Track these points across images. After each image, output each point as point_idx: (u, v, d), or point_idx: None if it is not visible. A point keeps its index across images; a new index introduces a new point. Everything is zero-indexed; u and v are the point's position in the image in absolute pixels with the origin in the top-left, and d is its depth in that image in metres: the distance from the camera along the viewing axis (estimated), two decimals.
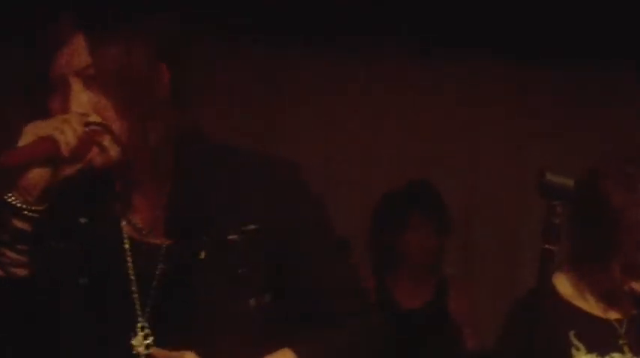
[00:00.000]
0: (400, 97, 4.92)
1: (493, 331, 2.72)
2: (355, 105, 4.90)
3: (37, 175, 1.77)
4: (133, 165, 1.84)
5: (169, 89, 1.86)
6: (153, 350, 1.87)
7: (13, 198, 1.79)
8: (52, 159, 1.77)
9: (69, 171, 1.80)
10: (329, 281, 1.94)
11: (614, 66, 4.73)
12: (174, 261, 1.89)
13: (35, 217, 1.80)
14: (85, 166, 1.81)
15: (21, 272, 1.82)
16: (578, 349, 2.49)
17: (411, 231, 4.07)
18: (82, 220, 1.92)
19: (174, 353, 1.84)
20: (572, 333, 2.50)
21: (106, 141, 1.81)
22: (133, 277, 1.91)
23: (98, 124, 1.81)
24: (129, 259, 1.91)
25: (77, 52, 1.82)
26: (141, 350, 1.89)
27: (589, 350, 2.50)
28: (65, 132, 1.76)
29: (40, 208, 1.80)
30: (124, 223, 1.92)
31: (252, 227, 1.87)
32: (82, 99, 1.81)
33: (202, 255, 1.87)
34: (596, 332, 2.52)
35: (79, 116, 1.80)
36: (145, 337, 1.90)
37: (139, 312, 1.90)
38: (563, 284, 2.58)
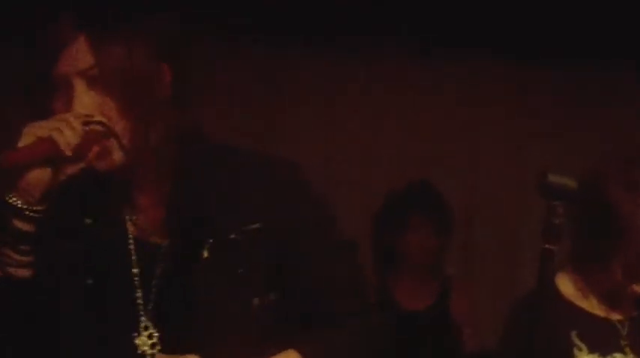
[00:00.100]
0: (400, 97, 4.92)
1: (493, 331, 2.72)
2: (355, 105, 4.90)
3: (38, 176, 1.77)
4: (135, 165, 1.84)
5: (171, 89, 1.87)
6: (157, 356, 1.88)
7: (14, 198, 1.78)
8: (51, 159, 1.77)
9: (70, 171, 1.80)
10: (329, 280, 1.94)
11: (614, 66, 4.72)
12: (177, 260, 1.90)
13: (37, 218, 1.79)
14: (88, 167, 1.81)
15: (23, 272, 1.82)
16: (580, 349, 2.49)
17: (411, 231, 4.07)
18: (87, 220, 1.92)
19: None
20: (574, 333, 2.50)
21: (109, 141, 1.81)
22: (136, 277, 1.91)
23: (98, 123, 1.81)
24: (133, 259, 1.92)
25: (80, 53, 1.82)
26: (146, 349, 1.90)
27: (591, 351, 2.50)
28: (64, 131, 1.76)
29: (41, 209, 1.79)
30: (128, 223, 1.93)
31: (253, 226, 1.88)
32: (86, 99, 1.82)
33: (204, 254, 1.87)
34: (598, 333, 2.52)
35: (79, 115, 1.80)
36: (149, 336, 1.90)
37: (142, 312, 1.90)
38: (566, 285, 2.58)
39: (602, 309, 2.56)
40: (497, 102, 4.98)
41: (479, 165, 4.97)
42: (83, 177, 1.83)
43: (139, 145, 1.82)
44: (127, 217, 1.93)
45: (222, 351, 1.84)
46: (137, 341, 1.89)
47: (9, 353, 1.87)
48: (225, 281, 1.87)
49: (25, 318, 1.86)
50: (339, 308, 1.93)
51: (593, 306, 2.56)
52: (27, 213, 1.78)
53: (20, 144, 1.77)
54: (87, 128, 1.79)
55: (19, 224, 1.79)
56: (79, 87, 1.82)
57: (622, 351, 2.52)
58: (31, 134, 1.77)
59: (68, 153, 1.76)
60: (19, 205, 1.78)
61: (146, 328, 1.90)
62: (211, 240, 1.87)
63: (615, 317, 2.56)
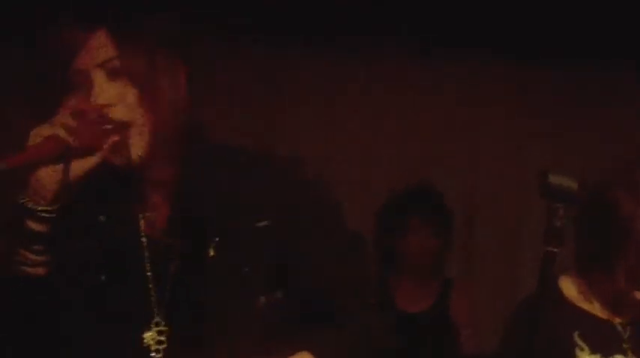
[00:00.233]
0: (400, 97, 4.91)
1: (493, 332, 2.72)
2: (355, 105, 4.89)
3: (47, 176, 1.78)
4: (150, 160, 1.85)
5: (186, 88, 1.89)
6: None
7: (26, 199, 1.79)
8: (60, 158, 1.77)
9: (85, 167, 1.81)
10: (333, 279, 1.94)
11: (614, 66, 4.72)
12: (186, 259, 1.91)
13: (50, 217, 1.80)
14: (104, 162, 1.82)
15: (38, 271, 1.83)
16: (582, 349, 2.49)
17: (410, 232, 4.07)
18: (101, 218, 1.93)
19: None
20: (576, 334, 2.50)
21: (126, 133, 1.83)
22: (148, 273, 1.92)
23: (111, 121, 1.82)
24: (145, 256, 1.93)
25: (101, 46, 1.84)
26: (152, 343, 1.90)
27: (592, 351, 2.50)
28: (70, 128, 1.77)
29: (53, 209, 1.80)
30: (141, 221, 1.94)
31: (259, 224, 1.89)
32: (106, 90, 1.83)
33: (211, 253, 1.88)
34: (601, 334, 2.52)
35: (97, 107, 1.81)
36: (159, 333, 1.91)
37: (155, 309, 1.91)
38: (569, 287, 2.58)
39: (605, 312, 2.56)
40: (497, 102, 4.97)
41: (479, 165, 4.96)
42: (98, 174, 1.83)
43: (157, 139, 1.83)
44: (140, 215, 1.94)
45: (229, 349, 1.85)
46: (144, 335, 1.90)
47: (23, 349, 1.88)
48: (232, 279, 1.89)
49: (39, 316, 1.86)
50: (342, 307, 1.94)
51: (596, 309, 2.57)
52: (40, 213, 1.79)
53: (28, 144, 1.78)
54: (103, 119, 1.81)
55: (33, 225, 1.80)
56: (99, 79, 1.84)
57: (624, 353, 2.52)
58: (38, 133, 1.78)
59: (78, 146, 1.77)
60: (31, 206, 1.79)
61: (157, 325, 1.91)
62: (217, 239, 1.88)
63: (618, 320, 2.56)
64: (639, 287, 2.49)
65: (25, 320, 1.86)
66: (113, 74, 1.84)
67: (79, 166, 1.80)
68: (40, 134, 1.77)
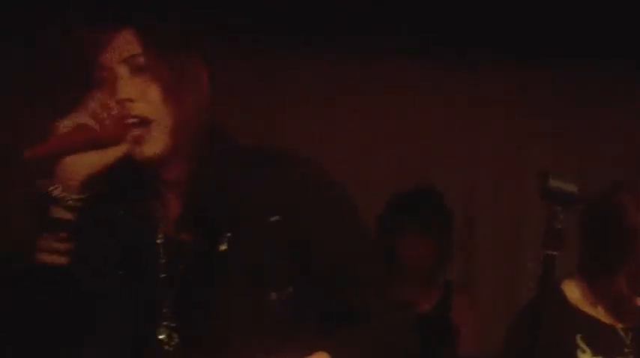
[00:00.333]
0: (400, 97, 4.91)
1: (494, 333, 2.72)
2: (355, 105, 4.89)
3: (74, 166, 1.82)
4: (171, 157, 1.87)
5: (209, 87, 1.92)
6: None
7: (53, 187, 1.82)
8: (86, 148, 1.81)
9: (105, 161, 1.84)
10: (348, 275, 1.95)
11: (614, 66, 4.72)
12: (199, 255, 1.92)
13: (75, 207, 1.84)
14: (127, 155, 1.85)
15: (60, 260, 1.86)
16: (584, 351, 2.50)
17: (409, 235, 4.05)
18: (121, 213, 1.96)
19: None
20: (578, 336, 2.51)
21: (149, 127, 1.85)
22: (162, 270, 1.94)
23: (133, 116, 1.85)
24: (160, 253, 1.94)
25: (126, 43, 1.87)
26: (163, 338, 1.93)
27: (594, 354, 2.50)
28: (98, 119, 1.82)
29: (79, 198, 1.83)
30: (158, 217, 1.96)
31: (272, 219, 1.90)
32: (130, 85, 1.86)
33: (223, 248, 1.88)
34: (603, 338, 2.53)
35: (116, 105, 1.84)
36: (171, 328, 1.93)
37: (168, 305, 1.93)
38: (572, 291, 2.59)
39: (608, 317, 2.56)
40: (498, 102, 4.97)
41: (479, 165, 4.96)
42: (120, 169, 1.86)
43: (177, 137, 1.86)
44: (158, 211, 1.96)
45: (241, 345, 1.86)
46: (161, 337, 1.93)
47: (40, 337, 1.90)
48: (243, 275, 1.90)
49: (58, 305, 1.89)
50: (359, 304, 1.94)
51: (599, 313, 2.57)
52: (67, 202, 1.82)
53: (55, 134, 1.82)
54: (125, 113, 1.84)
55: (59, 212, 1.84)
56: (124, 74, 1.86)
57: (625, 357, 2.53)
58: (65, 124, 1.82)
59: (101, 138, 1.81)
60: (59, 194, 1.80)
61: (168, 320, 1.93)
62: (229, 234, 1.89)
63: (620, 325, 2.56)
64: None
65: (44, 308, 1.88)
66: (137, 71, 1.86)
67: (103, 158, 1.84)
68: (67, 124, 1.82)
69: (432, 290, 4.12)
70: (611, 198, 2.50)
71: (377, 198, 4.24)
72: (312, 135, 4.80)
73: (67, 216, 1.84)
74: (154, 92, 1.86)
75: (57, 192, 1.83)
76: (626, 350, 2.52)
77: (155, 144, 1.86)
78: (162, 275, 1.94)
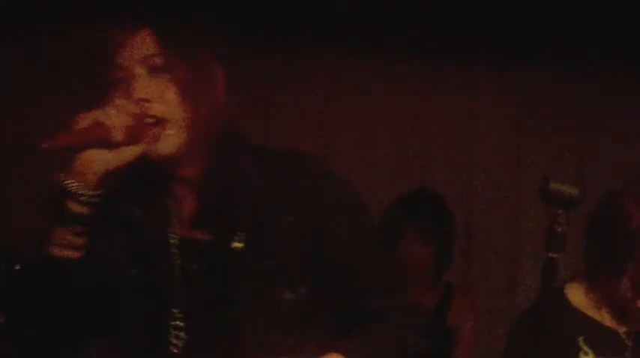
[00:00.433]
0: (400, 97, 4.91)
1: (494, 336, 2.72)
2: (355, 105, 4.89)
3: (92, 160, 1.83)
4: (186, 156, 1.88)
5: (225, 89, 1.95)
6: None
7: (69, 181, 1.83)
8: (105, 143, 1.82)
9: (121, 159, 1.85)
10: (361, 275, 1.95)
11: (614, 66, 4.72)
12: (212, 255, 1.93)
13: (90, 202, 1.84)
14: (143, 154, 1.85)
15: (72, 253, 1.87)
16: (586, 354, 2.50)
17: (408, 239, 4.05)
18: (136, 211, 1.96)
19: None
20: (581, 339, 2.51)
21: (165, 127, 1.86)
22: (176, 269, 1.94)
23: (149, 116, 1.86)
24: (174, 252, 1.95)
25: (144, 43, 1.88)
26: (172, 339, 1.92)
27: (597, 356, 2.51)
28: (116, 117, 1.82)
29: (95, 193, 1.83)
30: (172, 216, 1.97)
31: (287, 218, 1.90)
32: (147, 85, 1.87)
33: (237, 246, 1.88)
34: (605, 341, 2.53)
35: (138, 103, 1.85)
36: (178, 328, 1.93)
37: (177, 305, 1.94)
38: (576, 294, 2.59)
39: (611, 320, 2.57)
40: (498, 102, 4.97)
41: (478, 167, 4.95)
42: (136, 167, 1.86)
43: (192, 138, 1.87)
44: (172, 210, 1.97)
45: (253, 345, 1.86)
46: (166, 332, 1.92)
47: (49, 330, 1.91)
48: (257, 274, 1.90)
49: (68, 299, 1.89)
50: (373, 305, 1.94)
51: (601, 317, 2.58)
52: (82, 196, 1.83)
53: (74, 128, 1.82)
54: (142, 112, 1.85)
55: (74, 207, 1.84)
56: (141, 74, 1.87)
57: None
58: (85, 119, 1.82)
59: (120, 136, 1.81)
60: (74, 188, 1.81)
61: (177, 319, 1.93)
62: (243, 233, 1.89)
63: (623, 329, 2.56)
64: None
65: (54, 301, 1.89)
66: (154, 71, 1.88)
67: (120, 156, 1.84)
68: (86, 119, 1.82)
69: (432, 293, 4.11)
70: (615, 202, 2.51)
71: (376, 199, 4.23)
72: (311, 135, 4.80)
73: (82, 210, 1.84)
74: (171, 92, 1.88)
75: (73, 185, 1.83)
76: (627, 353, 2.53)
77: (170, 143, 1.87)
78: (175, 275, 1.94)
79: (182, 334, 1.93)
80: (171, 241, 1.96)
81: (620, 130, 4.79)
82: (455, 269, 4.42)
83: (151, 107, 1.86)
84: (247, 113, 4.95)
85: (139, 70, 1.87)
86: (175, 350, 1.92)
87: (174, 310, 1.93)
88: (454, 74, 4.88)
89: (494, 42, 4.68)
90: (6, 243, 3.38)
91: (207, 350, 1.91)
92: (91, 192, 1.84)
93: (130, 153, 1.85)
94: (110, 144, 1.83)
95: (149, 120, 1.86)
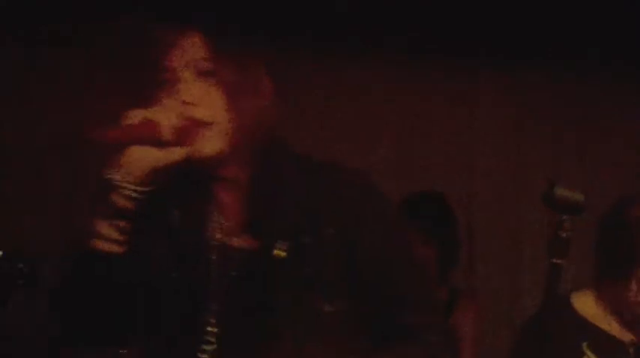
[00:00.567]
0: (400, 97, 4.90)
1: (497, 341, 2.72)
2: (355, 105, 4.88)
3: (140, 156, 1.83)
4: (227, 163, 1.89)
5: (272, 95, 1.96)
6: None
7: (115, 174, 1.84)
8: (152, 142, 1.83)
9: (172, 158, 1.85)
10: (397, 291, 1.95)
11: (614, 66, 4.71)
12: (253, 262, 1.92)
13: (135, 198, 1.85)
14: (186, 159, 1.86)
15: (114, 248, 1.87)
16: None
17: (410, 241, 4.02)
18: (178, 213, 1.97)
19: None
20: (584, 344, 2.51)
21: (209, 130, 1.87)
22: (213, 275, 1.94)
23: (193, 119, 1.87)
24: (212, 258, 1.94)
25: (193, 47, 1.89)
26: (204, 348, 1.92)
27: None
28: (165, 117, 1.84)
29: (139, 189, 1.84)
30: (212, 222, 1.97)
31: (328, 229, 1.89)
32: (193, 89, 1.88)
33: (278, 256, 1.88)
34: (609, 349, 2.53)
35: (184, 105, 1.86)
36: (210, 334, 1.93)
37: (213, 309, 1.93)
38: (583, 303, 2.59)
39: (615, 329, 2.57)
40: (498, 102, 4.96)
41: (478, 167, 4.95)
42: (180, 169, 1.87)
43: (236, 143, 1.88)
44: (213, 215, 1.97)
45: (293, 351, 1.86)
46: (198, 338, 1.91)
47: (86, 324, 1.92)
48: (297, 285, 1.90)
49: (107, 293, 1.89)
50: (407, 321, 1.94)
51: (606, 324, 2.58)
52: (127, 191, 1.83)
53: (124, 124, 1.83)
54: (186, 115, 1.86)
55: (119, 201, 1.84)
56: (188, 77, 1.88)
57: None
58: (136, 115, 1.84)
59: (168, 135, 1.83)
60: (120, 182, 1.82)
61: (211, 326, 1.93)
62: (285, 243, 1.88)
63: (626, 338, 2.56)
64: None
65: (94, 294, 1.89)
66: (201, 75, 1.88)
67: (168, 155, 1.85)
68: (136, 116, 1.83)
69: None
70: (624, 210, 2.51)
71: None
72: (311, 135, 4.78)
73: (127, 204, 1.85)
74: (216, 97, 1.88)
75: (119, 179, 1.84)
76: None
77: (213, 144, 1.88)
78: (213, 279, 1.93)
79: (214, 340, 1.92)
80: (211, 246, 1.95)
81: (620, 130, 4.79)
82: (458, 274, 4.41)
83: (195, 110, 1.87)
84: None
85: (186, 74, 1.89)
86: (205, 356, 1.91)
87: (209, 315, 1.92)
88: (454, 74, 4.87)
89: (494, 42, 4.68)
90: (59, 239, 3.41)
91: (241, 357, 1.89)
92: (135, 188, 1.84)
93: (176, 152, 1.86)
94: (158, 143, 1.84)
95: (194, 122, 1.86)
